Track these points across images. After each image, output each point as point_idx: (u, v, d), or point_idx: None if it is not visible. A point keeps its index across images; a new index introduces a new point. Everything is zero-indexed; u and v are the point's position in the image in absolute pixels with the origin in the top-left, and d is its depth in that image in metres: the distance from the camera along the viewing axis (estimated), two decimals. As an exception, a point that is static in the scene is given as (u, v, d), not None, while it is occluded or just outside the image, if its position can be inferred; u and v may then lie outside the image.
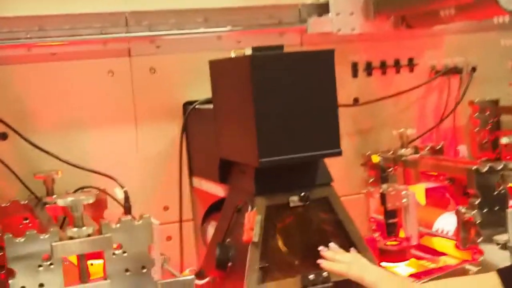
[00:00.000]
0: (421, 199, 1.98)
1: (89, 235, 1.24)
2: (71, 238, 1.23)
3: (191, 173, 1.92)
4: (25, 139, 1.70)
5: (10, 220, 1.61)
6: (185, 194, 1.92)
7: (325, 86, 1.49)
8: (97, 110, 1.83)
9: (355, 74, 2.11)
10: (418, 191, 1.97)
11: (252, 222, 1.49)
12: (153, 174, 1.90)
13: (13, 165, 1.73)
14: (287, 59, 1.46)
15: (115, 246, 1.27)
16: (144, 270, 1.29)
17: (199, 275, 1.65)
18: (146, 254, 1.29)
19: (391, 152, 1.99)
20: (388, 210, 1.75)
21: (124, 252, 1.27)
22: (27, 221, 1.62)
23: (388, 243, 1.77)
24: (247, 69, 1.44)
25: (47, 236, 1.22)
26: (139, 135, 1.88)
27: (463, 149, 2.24)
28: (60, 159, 1.71)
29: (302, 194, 1.51)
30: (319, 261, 1.44)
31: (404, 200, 1.74)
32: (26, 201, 1.66)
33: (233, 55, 1.54)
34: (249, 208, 1.52)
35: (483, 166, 1.58)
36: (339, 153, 1.51)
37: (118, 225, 1.27)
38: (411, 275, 1.69)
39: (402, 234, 1.79)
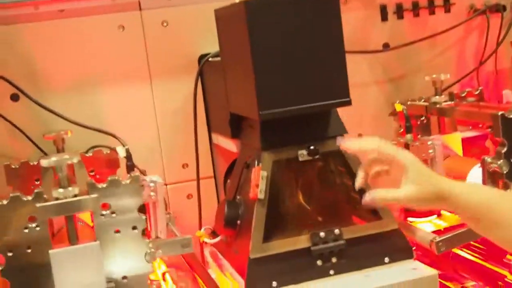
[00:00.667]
0: (458, 149, 1.85)
1: (75, 196, 1.20)
2: (57, 199, 1.20)
3: (210, 129, 1.86)
4: (34, 100, 1.68)
5: (22, 182, 1.59)
6: (204, 151, 1.86)
7: (330, 31, 1.37)
8: (109, 67, 1.78)
9: (384, 17, 1.97)
10: (454, 140, 1.84)
11: (257, 179, 1.42)
12: (171, 131, 1.85)
13: (25, 126, 1.71)
14: (286, 2, 1.36)
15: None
16: (136, 231, 1.24)
17: (212, 234, 1.61)
18: (136, 214, 1.24)
19: (422, 100, 1.87)
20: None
21: (112, 212, 1.23)
22: (38, 182, 1.60)
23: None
24: (243, 15, 1.34)
25: (30, 198, 1.19)
26: (154, 91, 1.83)
27: (508, 94, 2.07)
28: (66, 119, 1.68)
29: (311, 147, 1.43)
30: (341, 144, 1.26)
31: (430, 151, 1.61)
32: (37, 162, 1.64)
33: (237, 0, 1.44)
34: (256, 163, 1.45)
35: (510, 111, 1.44)
36: (348, 103, 1.41)
37: (104, 184, 1.22)
38: (439, 231, 1.59)
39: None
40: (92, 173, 1.63)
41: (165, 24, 1.81)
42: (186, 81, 1.82)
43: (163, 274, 1.43)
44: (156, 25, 1.81)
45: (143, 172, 1.70)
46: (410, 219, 1.64)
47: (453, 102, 1.84)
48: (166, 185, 1.85)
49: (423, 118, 1.88)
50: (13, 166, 1.62)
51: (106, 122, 1.76)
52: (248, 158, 1.51)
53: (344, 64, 1.39)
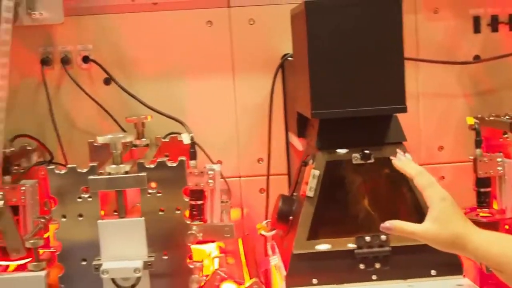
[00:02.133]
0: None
1: (126, 173, 1.30)
2: (109, 174, 1.29)
3: (287, 128, 1.90)
4: (119, 85, 1.81)
5: (102, 159, 1.71)
6: (279, 148, 1.90)
7: (391, 36, 1.38)
8: (195, 60, 1.87)
9: (477, 29, 1.91)
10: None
11: (307, 177, 1.44)
12: (249, 126, 1.91)
13: (113, 109, 1.85)
14: (346, 3, 1.37)
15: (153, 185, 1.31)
16: (178, 212, 1.31)
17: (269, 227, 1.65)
18: (180, 196, 1.31)
19: (507, 117, 1.80)
20: (479, 178, 1.58)
21: (158, 192, 1.30)
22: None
23: (481, 214, 1.61)
24: (303, 14, 1.38)
25: (85, 170, 1.30)
26: (236, 86, 1.90)
27: None
28: (145, 104, 1.79)
29: (365, 151, 1.43)
30: (392, 158, 1.22)
31: (499, 168, 1.56)
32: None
33: None
34: (310, 162, 1.48)
35: None
36: (403, 110, 1.40)
37: (153, 165, 1.30)
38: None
39: (495, 205, 1.61)
40: (167, 158, 1.72)
41: (251, 22, 1.88)
42: (268, 78, 1.88)
43: (213, 258, 1.49)
44: (243, 22, 1.87)
45: (213, 161, 1.77)
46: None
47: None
48: (240, 177, 1.92)
49: (507, 135, 1.80)
50: (95, 144, 1.74)
51: (187, 112, 1.85)
52: (307, 157, 1.54)
53: (402, 70, 1.39)
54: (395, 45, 1.38)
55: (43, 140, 1.82)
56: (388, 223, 1.14)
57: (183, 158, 1.31)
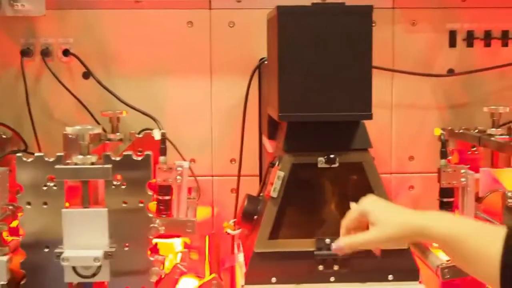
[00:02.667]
0: (509, 185, 1.80)
1: (92, 164, 1.32)
2: (75, 164, 1.32)
3: (261, 130, 1.93)
4: (96, 79, 1.84)
5: (75, 151, 1.73)
6: (252, 150, 1.93)
7: (360, 45, 1.41)
8: (174, 59, 1.91)
9: (452, 43, 1.95)
10: (506, 176, 1.79)
11: (272, 178, 1.47)
12: (223, 127, 1.94)
13: (90, 102, 1.88)
14: (318, 12, 1.40)
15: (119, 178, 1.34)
16: (141, 205, 1.34)
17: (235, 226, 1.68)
18: (144, 190, 1.34)
19: (476, 130, 1.83)
20: (442, 188, 1.62)
21: (123, 184, 1.33)
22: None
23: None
24: (275, 19, 1.41)
25: (52, 159, 1.32)
26: (213, 87, 1.93)
27: None
28: (121, 100, 1.82)
29: (331, 155, 1.46)
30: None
31: (462, 179, 1.59)
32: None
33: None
34: (277, 164, 1.51)
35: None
36: (369, 117, 1.43)
37: (119, 158, 1.33)
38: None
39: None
40: (140, 153, 1.75)
41: (231, 24, 1.91)
42: (245, 81, 1.90)
43: (176, 253, 1.52)
44: (223, 25, 1.91)
45: (185, 159, 1.80)
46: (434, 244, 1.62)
47: (510, 136, 1.79)
48: (212, 176, 1.95)
49: (475, 149, 1.84)
50: (70, 136, 1.77)
51: (163, 110, 1.89)
52: (274, 158, 1.57)
53: (369, 78, 1.42)
54: (363, 54, 1.41)
55: (19, 130, 1.84)
56: (335, 245, 1.16)
57: (149, 152, 1.34)
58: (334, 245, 1.17)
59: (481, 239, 1.03)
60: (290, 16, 1.40)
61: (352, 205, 1.20)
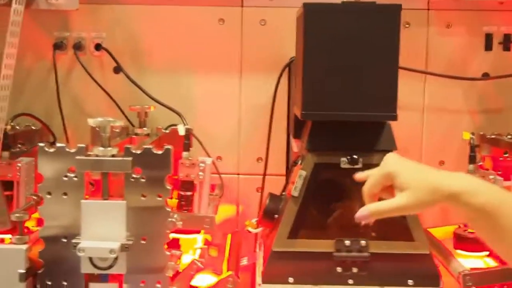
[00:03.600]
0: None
1: (112, 156, 1.33)
2: (96, 156, 1.33)
3: (289, 130, 1.92)
4: (125, 74, 1.85)
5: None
6: (280, 149, 1.92)
7: (387, 44, 1.38)
8: (204, 56, 1.90)
9: (488, 47, 1.90)
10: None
11: (294, 177, 1.46)
12: (251, 125, 1.93)
13: (120, 97, 1.89)
14: (345, 9, 1.39)
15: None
16: (159, 199, 1.34)
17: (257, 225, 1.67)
18: (163, 184, 1.33)
19: (509, 136, 1.78)
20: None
21: (142, 178, 1.33)
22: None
23: (469, 230, 1.60)
24: (302, 17, 1.40)
25: (73, 150, 1.33)
26: (243, 85, 1.92)
27: None
28: (149, 96, 1.83)
29: (354, 156, 1.44)
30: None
31: (491, 185, 1.55)
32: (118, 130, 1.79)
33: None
34: (299, 163, 1.49)
35: None
36: (393, 118, 1.40)
37: (139, 151, 1.33)
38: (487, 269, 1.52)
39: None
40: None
41: (263, 22, 1.90)
42: (275, 80, 1.90)
43: (196, 249, 1.51)
44: (254, 22, 1.90)
45: (210, 156, 1.80)
46: (458, 251, 1.58)
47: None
48: (238, 175, 1.95)
49: (507, 155, 1.79)
50: (98, 129, 1.78)
51: (192, 106, 1.90)
52: (298, 157, 1.55)
53: (395, 78, 1.39)
54: (390, 54, 1.38)
55: (49, 122, 1.87)
56: (360, 213, 1.05)
57: (169, 146, 1.34)
58: (357, 214, 1.06)
59: None
60: (316, 14, 1.38)
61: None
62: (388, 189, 1.06)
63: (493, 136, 1.79)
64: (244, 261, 1.63)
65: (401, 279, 1.42)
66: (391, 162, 1.06)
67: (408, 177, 1.02)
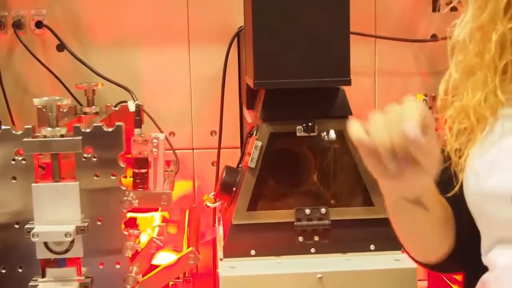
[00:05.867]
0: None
1: (62, 136, 1.28)
2: (45, 137, 1.28)
3: (241, 101, 1.89)
4: (71, 52, 1.79)
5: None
6: (233, 121, 1.90)
7: (337, 9, 1.36)
8: (150, 29, 1.85)
9: (435, 8, 1.91)
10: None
11: (250, 148, 1.44)
12: (203, 98, 1.90)
13: (65, 75, 1.82)
14: (293, -25, 1.36)
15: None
16: (113, 178, 1.30)
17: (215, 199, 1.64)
18: (116, 162, 1.30)
19: (460, 96, 1.79)
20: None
21: (94, 157, 1.29)
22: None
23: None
24: (249, -17, 1.37)
25: (20, 132, 1.28)
26: (191, 57, 1.88)
27: None
28: (96, 73, 1.78)
29: (308, 124, 1.42)
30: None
31: (445, 145, 1.56)
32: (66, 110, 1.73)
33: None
34: (254, 133, 1.47)
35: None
36: (347, 82, 1.39)
37: (89, 129, 1.29)
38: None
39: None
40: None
41: (209, -8, 1.86)
42: (224, 51, 1.86)
43: (154, 227, 1.48)
44: (200, -8, 1.86)
45: (163, 132, 1.76)
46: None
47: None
48: (193, 149, 1.91)
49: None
50: (44, 110, 1.72)
51: (141, 82, 1.85)
52: (252, 128, 1.53)
53: (347, 43, 1.38)
54: (341, 18, 1.36)
55: (-8, 104, 1.80)
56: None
57: (120, 123, 1.30)
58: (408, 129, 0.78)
59: None
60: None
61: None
62: None
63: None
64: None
65: (363, 245, 1.42)
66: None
67: None
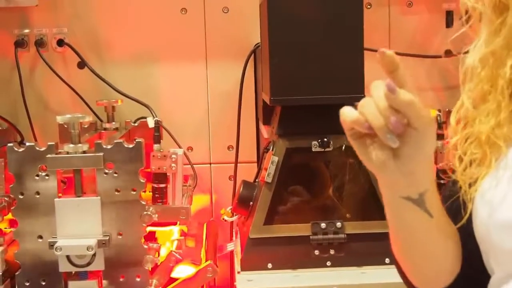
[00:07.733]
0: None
1: (83, 152, 1.32)
2: (67, 153, 1.32)
3: (257, 116, 1.92)
4: (90, 68, 1.83)
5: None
6: (250, 136, 1.93)
7: (351, 26, 1.39)
8: (169, 46, 1.89)
9: (449, 24, 1.93)
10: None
11: (267, 163, 1.47)
12: (220, 113, 1.93)
13: (86, 92, 1.87)
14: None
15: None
16: (134, 193, 1.33)
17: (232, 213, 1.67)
18: (137, 177, 1.33)
19: (474, 111, 1.81)
20: (438, 169, 1.60)
21: (115, 172, 1.33)
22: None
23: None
24: (265, 3, 1.40)
25: (43, 149, 1.32)
26: (209, 73, 1.92)
27: None
28: (115, 89, 1.81)
29: (324, 139, 1.45)
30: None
31: (459, 160, 1.58)
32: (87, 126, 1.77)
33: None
34: (271, 149, 1.50)
35: None
36: (361, 99, 1.40)
37: (110, 146, 1.32)
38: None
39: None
40: (136, 142, 1.74)
41: (225, 10, 1.89)
42: (241, 67, 1.89)
43: (173, 241, 1.51)
44: (217, 10, 1.89)
45: (181, 147, 1.79)
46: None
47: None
48: (210, 164, 1.95)
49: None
50: (65, 126, 1.76)
51: (159, 98, 1.89)
52: (269, 144, 1.56)
53: (361, 59, 1.41)
54: (355, 35, 1.40)
55: (15, 122, 1.84)
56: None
57: (140, 139, 1.33)
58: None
59: None
60: (281, -1, 1.39)
61: None
62: None
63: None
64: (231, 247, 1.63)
65: (378, 258, 1.44)
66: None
67: None
